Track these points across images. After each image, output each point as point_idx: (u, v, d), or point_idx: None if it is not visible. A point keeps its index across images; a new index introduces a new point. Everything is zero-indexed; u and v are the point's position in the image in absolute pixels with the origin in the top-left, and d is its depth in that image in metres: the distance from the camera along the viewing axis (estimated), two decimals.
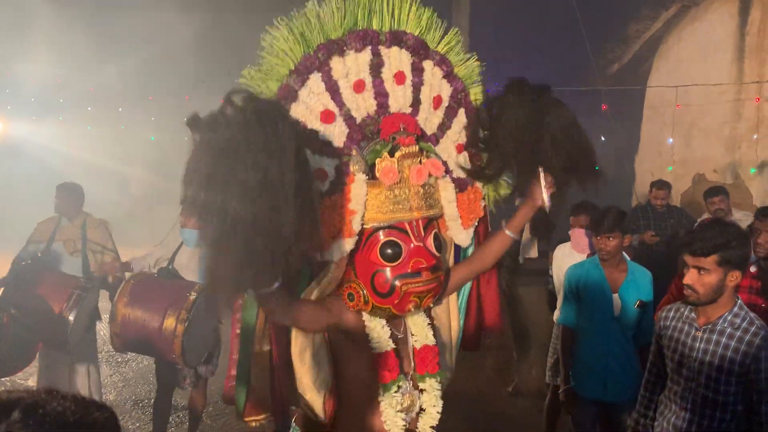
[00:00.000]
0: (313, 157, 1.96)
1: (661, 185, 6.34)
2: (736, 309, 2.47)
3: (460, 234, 2.30)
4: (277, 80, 2.00)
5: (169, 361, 4.04)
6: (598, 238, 3.58)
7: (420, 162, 2.08)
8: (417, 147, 2.08)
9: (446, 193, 2.21)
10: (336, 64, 2.04)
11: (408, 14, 2.17)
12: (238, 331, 2.13)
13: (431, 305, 2.21)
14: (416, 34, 2.19)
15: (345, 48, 2.05)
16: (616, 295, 3.52)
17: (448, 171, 2.26)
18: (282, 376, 2.11)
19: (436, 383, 2.19)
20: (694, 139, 8.16)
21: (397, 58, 2.13)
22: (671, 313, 2.70)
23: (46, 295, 4.08)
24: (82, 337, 4.35)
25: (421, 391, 2.19)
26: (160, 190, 14.74)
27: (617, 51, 9.48)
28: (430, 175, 2.10)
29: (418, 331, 2.19)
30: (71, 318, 4.07)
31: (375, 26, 2.11)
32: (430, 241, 2.07)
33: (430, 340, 2.20)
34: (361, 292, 2.05)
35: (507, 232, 2.31)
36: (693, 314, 2.57)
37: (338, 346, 2.12)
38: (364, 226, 2.02)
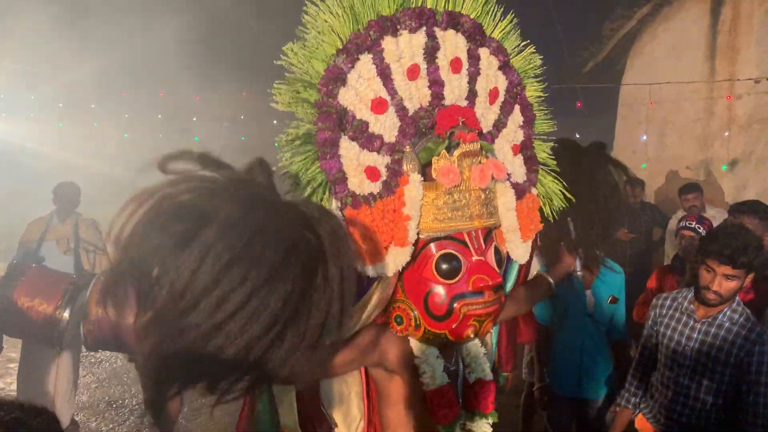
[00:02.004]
0: (362, 153, 1.72)
1: (634, 183, 6.40)
2: (734, 305, 2.65)
3: (519, 248, 1.99)
4: (323, 60, 1.72)
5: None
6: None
7: (480, 162, 1.80)
8: (479, 145, 1.81)
9: (505, 199, 1.91)
10: (389, 44, 1.75)
11: None
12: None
13: (491, 331, 1.95)
14: (472, 16, 1.91)
15: (398, 27, 1.77)
16: (589, 292, 3.55)
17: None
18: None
19: (488, 426, 1.92)
20: (667, 137, 8.26)
21: (452, 43, 1.85)
22: (668, 302, 2.86)
23: (39, 292, 4.03)
24: (76, 334, 4.33)
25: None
26: (134, 187, 14.55)
27: (592, 49, 9.54)
28: (492, 178, 1.82)
29: (474, 362, 1.93)
30: (66, 315, 4.04)
31: (429, 4, 1.83)
32: (491, 255, 1.81)
33: (487, 375, 1.94)
34: (411, 314, 1.77)
35: (550, 279, 2.22)
36: (691, 306, 2.74)
37: (383, 385, 1.81)
38: (419, 236, 1.74)
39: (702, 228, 3.98)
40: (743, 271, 2.52)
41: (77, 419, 4.92)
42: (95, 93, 12.38)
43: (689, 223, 4.05)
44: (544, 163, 2.16)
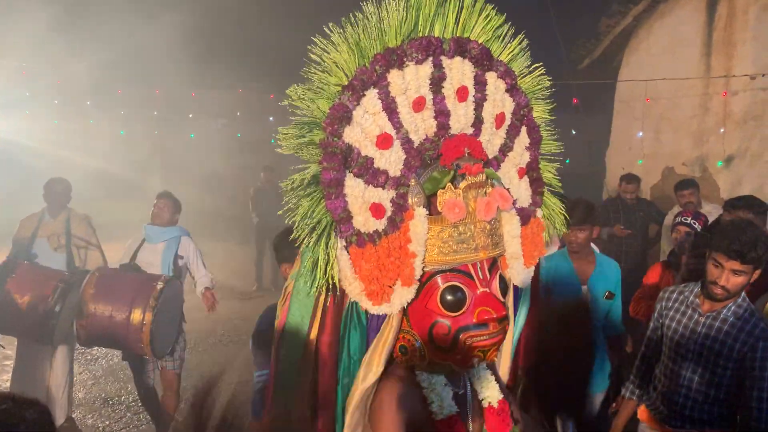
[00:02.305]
0: (367, 190, 1.69)
1: (630, 179, 6.42)
2: (740, 300, 2.67)
3: (521, 274, 1.96)
4: (329, 99, 1.68)
5: (136, 352, 4.08)
6: (568, 230, 3.61)
7: (485, 193, 1.76)
8: (483, 176, 1.76)
9: (510, 227, 1.89)
10: (395, 78, 1.71)
11: (476, 20, 1.86)
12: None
13: (495, 359, 1.88)
14: (481, 41, 1.86)
15: (405, 59, 1.73)
16: (585, 287, 3.56)
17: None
18: None
19: None
20: (663, 133, 8.27)
21: (459, 71, 1.81)
22: (674, 295, 2.89)
23: (30, 289, 4.03)
24: (69, 330, 4.34)
25: None
26: (130, 184, 14.53)
27: (588, 45, 9.55)
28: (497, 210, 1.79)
29: (484, 387, 1.91)
30: (57, 310, 4.05)
31: (437, 32, 1.79)
32: (496, 285, 1.77)
33: (498, 396, 1.91)
34: (416, 344, 1.75)
35: None
36: (697, 300, 2.77)
37: (390, 421, 1.76)
38: (423, 269, 1.71)
39: (697, 223, 4.00)
40: (751, 267, 2.54)
41: (73, 416, 4.92)
42: (90, 90, 12.35)
43: (684, 219, 4.07)
44: (549, 184, 2.12)
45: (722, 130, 7.47)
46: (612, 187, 8.00)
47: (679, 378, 2.71)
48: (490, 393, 1.89)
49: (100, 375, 6.09)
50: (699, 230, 4.03)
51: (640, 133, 8.26)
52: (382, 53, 1.71)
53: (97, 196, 14.28)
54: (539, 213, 2.06)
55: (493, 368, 1.97)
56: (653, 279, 3.98)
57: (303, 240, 1.73)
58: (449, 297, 1.70)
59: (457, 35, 1.81)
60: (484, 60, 1.84)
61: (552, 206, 2.14)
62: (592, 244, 3.72)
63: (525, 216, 1.95)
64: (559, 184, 2.13)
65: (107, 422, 5.06)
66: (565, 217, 2.16)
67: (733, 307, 2.65)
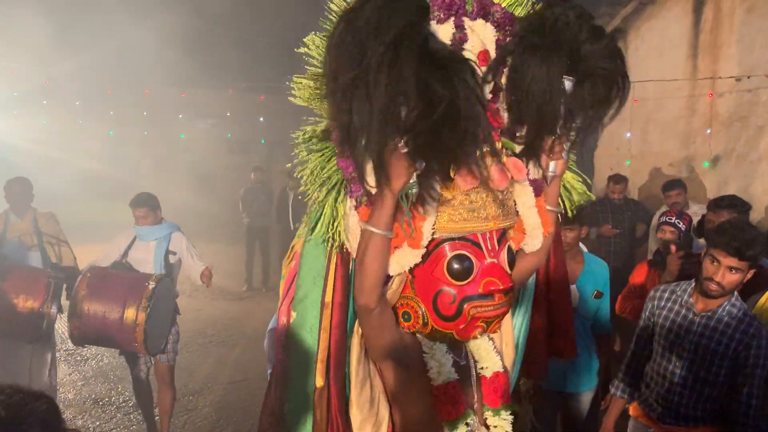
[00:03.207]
0: None
1: (617, 179, 6.48)
2: (733, 300, 2.70)
3: (538, 244, 1.92)
4: None
5: (129, 350, 4.14)
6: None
7: (501, 162, 1.75)
8: (499, 144, 1.76)
9: (525, 198, 1.85)
10: None
11: None
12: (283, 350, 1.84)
13: (498, 331, 1.88)
14: (505, 5, 1.83)
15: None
16: (573, 286, 3.58)
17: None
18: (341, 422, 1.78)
19: (509, 417, 1.87)
20: (650, 134, 8.35)
21: (481, 33, 1.77)
22: (666, 294, 2.91)
23: (23, 289, 4.02)
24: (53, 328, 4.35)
25: (488, 427, 1.86)
26: (120, 184, 14.47)
27: None
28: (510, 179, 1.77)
29: (485, 356, 1.90)
30: (53, 310, 4.07)
31: None
32: (504, 257, 1.76)
33: (500, 366, 1.91)
34: (419, 311, 1.74)
35: (549, 207, 1.93)
36: (691, 299, 2.78)
37: (391, 378, 1.79)
38: (433, 235, 1.69)
39: (682, 223, 4.04)
40: (747, 264, 2.57)
41: (63, 417, 4.90)
42: (79, 90, 12.29)
43: (669, 219, 4.11)
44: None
45: (709, 131, 7.55)
46: (600, 187, 8.05)
47: (674, 376, 2.74)
48: (488, 363, 1.89)
49: (90, 376, 6.07)
50: (684, 230, 4.07)
51: (628, 134, 8.33)
52: None
53: (86, 196, 14.23)
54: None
55: (494, 340, 1.95)
56: (639, 278, 4.02)
57: (312, 195, 1.72)
58: (456, 265, 1.68)
59: None
60: (506, 24, 1.80)
61: (567, 180, 2.11)
62: (581, 244, 3.75)
63: (539, 187, 1.91)
64: (574, 158, 2.07)
65: (97, 423, 5.04)
66: (583, 188, 2.13)
67: (728, 307, 2.68)
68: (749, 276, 2.64)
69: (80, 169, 13.98)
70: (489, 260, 1.71)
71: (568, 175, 2.11)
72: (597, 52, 1.68)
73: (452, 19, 1.72)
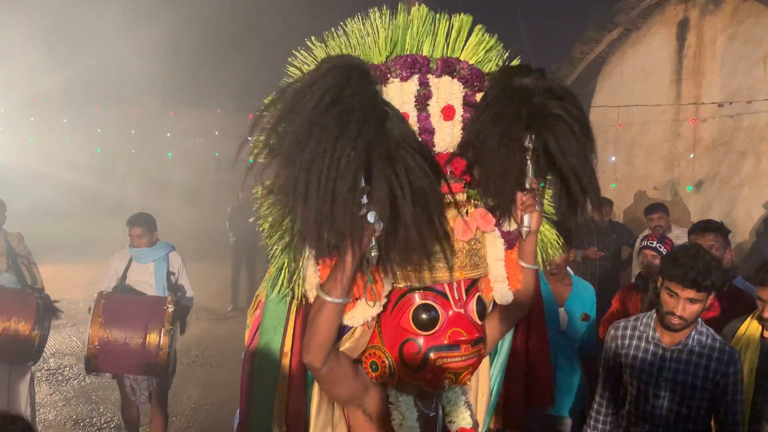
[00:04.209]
0: None
1: (603, 202, 6.54)
2: (699, 327, 2.59)
3: (506, 297, 1.89)
4: None
5: (148, 375, 4.14)
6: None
7: (466, 213, 1.76)
8: (464, 195, 1.77)
9: (494, 249, 1.84)
10: None
11: (466, 40, 1.87)
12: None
13: (468, 383, 1.81)
14: (473, 62, 1.86)
15: (389, 75, 1.75)
16: (562, 309, 3.61)
17: (498, 225, 1.88)
18: None
19: None
20: (635, 158, 8.46)
21: (447, 90, 1.80)
22: (628, 331, 2.72)
23: (13, 311, 3.96)
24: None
25: None
26: (107, 202, 14.38)
27: (563, 71, 9.75)
28: (477, 230, 1.77)
29: (454, 411, 1.86)
30: (44, 330, 4.01)
31: (426, 51, 1.81)
32: (472, 307, 1.75)
33: (467, 422, 1.88)
34: (387, 362, 1.71)
35: (522, 263, 1.90)
36: (656, 333, 2.63)
37: (354, 424, 1.76)
38: (396, 286, 1.69)
39: (663, 247, 4.07)
40: (706, 294, 2.46)
41: None
42: (67, 107, 12.26)
43: (650, 243, 4.12)
44: (544, 211, 2.04)
45: (692, 156, 7.66)
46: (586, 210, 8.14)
47: (654, 418, 2.61)
48: (456, 418, 1.86)
49: (72, 396, 5.98)
50: (665, 254, 4.11)
51: (613, 158, 8.43)
52: None
53: (73, 212, 14.12)
54: None
55: (465, 393, 1.93)
56: (620, 302, 4.04)
57: (272, 247, 1.73)
58: (422, 315, 1.67)
59: (447, 55, 1.82)
60: (474, 80, 1.84)
61: (544, 232, 2.10)
62: (568, 267, 3.78)
63: (511, 239, 1.90)
64: (552, 210, 2.05)
65: None
66: (559, 243, 2.13)
67: (696, 336, 2.57)
68: (710, 301, 2.53)
69: (67, 186, 13.89)
70: (456, 310, 1.70)
71: (546, 227, 2.10)
72: (547, 96, 1.74)
73: (416, 76, 1.76)
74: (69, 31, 11.19)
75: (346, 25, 1.80)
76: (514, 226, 1.88)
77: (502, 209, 1.79)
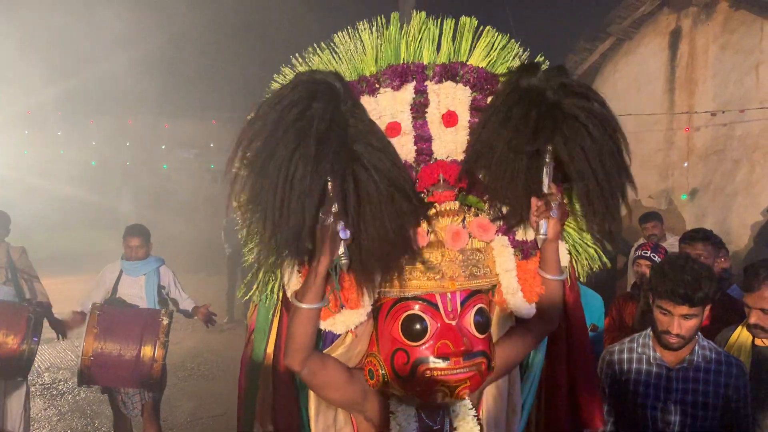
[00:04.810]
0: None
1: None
2: (701, 341, 2.43)
3: (524, 309, 1.81)
4: None
5: (142, 388, 4.11)
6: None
7: (462, 222, 1.72)
8: (456, 203, 1.73)
9: (502, 259, 1.76)
10: (367, 104, 1.70)
11: (472, 43, 1.83)
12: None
13: (466, 397, 1.76)
14: (485, 64, 1.82)
15: (378, 86, 1.74)
16: None
17: (509, 233, 1.81)
18: None
19: None
20: (630, 167, 8.47)
21: (449, 96, 1.76)
22: (624, 355, 2.54)
23: (4, 324, 3.94)
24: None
25: None
26: (102, 215, 14.35)
27: None
28: (472, 238, 1.72)
29: (459, 424, 1.78)
30: (34, 345, 3.98)
31: (426, 57, 1.79)
32: (469, 320, 1.68)
33: None
34: (380, 371, 1.69)
35: (543, 274, 1.82)
36: (656, 353, 2.46)
37: (360, 425, 1.76)
38: (388, 295, 1.68)
39: (657, 257, 4.07)
40: (701, 308, 2.28)
41: None
42: (62, 120, 12.25)
43: (644, 252, 4.11)
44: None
45: (686, 164, 7.69)
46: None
47: (666, 427, 2.45)
48: (464, 430, 1.80)
49: (66, 411, 5.94)
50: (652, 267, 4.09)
51: None
52: (354, 81, 1.74)
53: (68, 225, 14.09)
54: (564, 246, 1.91)
55: (473, 406, 1.86)
56: (616, 311, 4.04)
57: (255, 256, 1.75)
58: (409, 326, 1.65)
59: (453, 60, 1.80)
60: (484, 84, 1.78)
61: (577, 239, 1.99)
62: None
63: (527, 249, 1.82)
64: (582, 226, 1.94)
65: None
66: (597, 253, 2.01)
67: (699, 351, 2.41)
68: (707, 313, 2.35)
69: (62, 199, 13.86)
70: (447, 322, 1.66)
71: (574, 234, 2.00)
72: (562, 95, 1.70)
73: (411, 85, 1.75)
74: (63, 44, 11.22)
75: (348, 34, 1.81)
76: (531, 235, 1.81)
77: (513, 216, 1.73)
